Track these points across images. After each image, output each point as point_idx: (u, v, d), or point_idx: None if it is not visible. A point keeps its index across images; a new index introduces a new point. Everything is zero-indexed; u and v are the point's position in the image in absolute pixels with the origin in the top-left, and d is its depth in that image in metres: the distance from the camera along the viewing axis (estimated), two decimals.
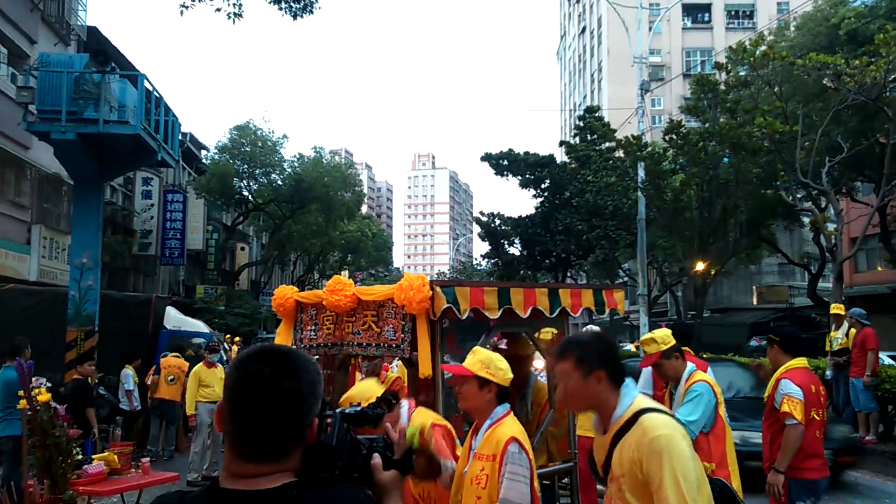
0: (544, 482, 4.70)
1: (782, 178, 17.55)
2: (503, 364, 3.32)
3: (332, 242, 40.73)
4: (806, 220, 22.67)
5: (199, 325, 16.16)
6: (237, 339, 18.78)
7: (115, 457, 6.51)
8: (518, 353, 5.14)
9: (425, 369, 4.07)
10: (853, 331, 10.73)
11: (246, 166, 32.29)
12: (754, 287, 36.26)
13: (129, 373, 11.60)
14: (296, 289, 5.26)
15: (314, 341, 4.90)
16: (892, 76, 14.61)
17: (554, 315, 4.75)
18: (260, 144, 32.19)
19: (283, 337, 5.15)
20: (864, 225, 16.84)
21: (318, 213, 34.63)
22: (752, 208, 20.79)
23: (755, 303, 35.73)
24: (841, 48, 17.80)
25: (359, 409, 1.72)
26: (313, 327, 4.92)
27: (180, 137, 26.84)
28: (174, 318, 14.89)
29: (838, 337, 11.11)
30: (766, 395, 4.92)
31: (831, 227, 18.11)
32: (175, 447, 12.12)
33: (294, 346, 5.10)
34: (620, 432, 2.44)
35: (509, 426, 3.20)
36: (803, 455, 4.57)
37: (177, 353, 12.01)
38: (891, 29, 14.26)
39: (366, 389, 3.89)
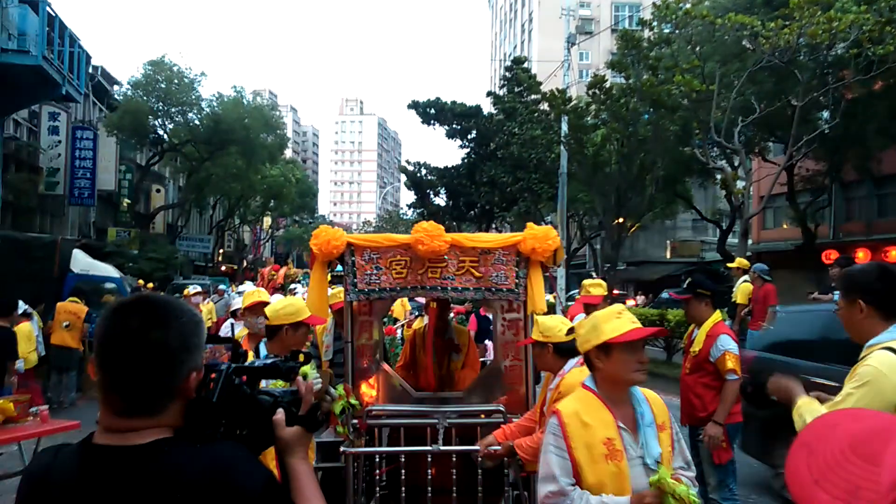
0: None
1: (697, 136, 18.06)
2: (553, 323, 3.83)
3: (253, 187, 39.70)
4: (719, 177, 23.52)
5: (108, 270, 15.52)
6: (150, 284, 18.17)
7: (11, 405, 6.26)
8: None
9: (540, 306, 4.46)
10: (745, 286, 11.27)
11: (161, 104, 30.81)
12: (668, 241, 37.59)
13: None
14: (342, 231, 4.73)
15: (376, 285, 4.61)
16: (804, 40, 15.09)
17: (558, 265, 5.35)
18: (176, 81, 30.72)
19: (318, 281, 4.71)
20: (771, 183, 17.57)
21: (238, 155, 33.57)
22: (668, 165, 21.38)
23: (668, 256, 37.11)
24: (758, 10, 18.24)
25: (269, 361, 1.64)
26: (375, 271, 4.62)
27: (90, 71, 25.57)
28: (82, 262, 14.27)
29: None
30: (695, 349, 5.15)
31: (740, 184, 18.84)
32: (82, 394, 11.77)
33: (347, 291, 4.64)
34: None
35: (566, 387, 3.36)
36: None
37: (75, 298, 11.52)
38: None
39: None
